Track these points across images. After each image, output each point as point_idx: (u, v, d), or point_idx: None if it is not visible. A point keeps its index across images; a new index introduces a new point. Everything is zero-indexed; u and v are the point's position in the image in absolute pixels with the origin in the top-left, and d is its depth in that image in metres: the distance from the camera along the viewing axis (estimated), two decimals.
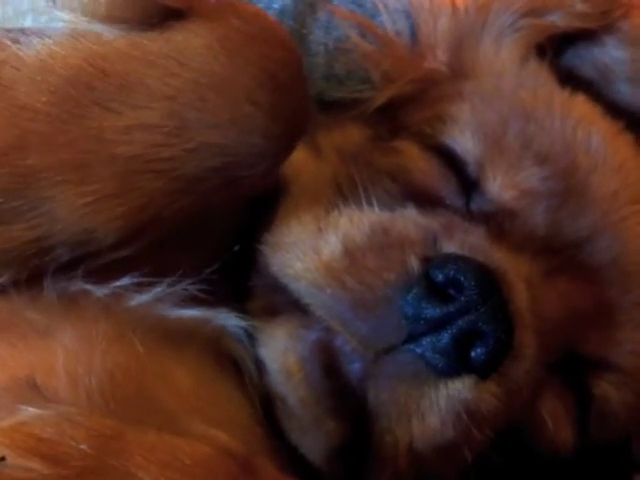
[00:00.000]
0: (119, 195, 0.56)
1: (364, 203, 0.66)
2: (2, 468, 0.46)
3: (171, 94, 0.56)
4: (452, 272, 0.59)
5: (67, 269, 0.58)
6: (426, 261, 0.61)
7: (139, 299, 0.62)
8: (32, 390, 0.53)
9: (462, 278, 0.59)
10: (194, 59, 0.57)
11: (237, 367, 0.65)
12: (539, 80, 0.79)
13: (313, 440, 0.63)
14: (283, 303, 0.64)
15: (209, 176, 0.58)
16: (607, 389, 0.70)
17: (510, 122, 0.73)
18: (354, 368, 0.61)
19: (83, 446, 0.48)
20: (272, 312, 0.65)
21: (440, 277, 0.60)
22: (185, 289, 0.63)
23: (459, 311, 0.59)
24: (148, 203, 0.57)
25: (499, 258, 0.63)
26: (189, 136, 0.56)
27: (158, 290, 0.62)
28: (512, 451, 0.66)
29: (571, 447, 0.70)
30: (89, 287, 0.60)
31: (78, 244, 0.57)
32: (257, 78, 0.58)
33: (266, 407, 0.64)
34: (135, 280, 0.61)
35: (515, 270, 0.63)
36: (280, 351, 0.63)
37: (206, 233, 0.65)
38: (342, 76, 0.85)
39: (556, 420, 0.69)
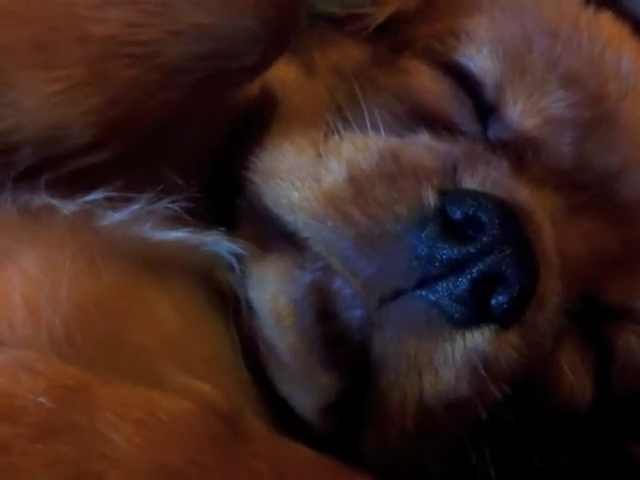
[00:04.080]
0: (92, 83, 0.51)
1: (369, 126, 0.60)
2: None
3: None
4: (472, 209, 0.54)
5: (30, 178, 0.53)
6: (443, 194, 0.55)
7: (112, 218, 0.56)
8: None
9: (483, 216, 0.53)
10: None
11: (225, 301, 0.60)
12: None
13: (304, 393, 0.58)
14: (275, 237, 0.58)
15: (194, 66, 0.53)
16: (630, 340, 0.66)
17: (534, 38, 0.66)
18: (354, 314, 0.55)
19: (42, 399, 0.44)
20: (263, 246, 0.59)
21: (458, 214, 0.54)
22: (167, 207, 0.57)
23: (480, 252, 0.53)
24: (125, 95, 0.52)
25: (524, 195, 0.57)
26: (173, 15, 0.51)
27: (135, 208, 0.56)
28: (526, 407, 0.60)
29: (589, 402, 0.65)
30: (54, 202, 0.54)
31: (47, 142, 0.52)
32: None
33: (253, 352, 0.59)
34: (108, 195, 0.55)
35: (540, 207, 0.58)
36: (270, 293, 0.57)
37: (188, 141, 0.60)
38: None
39: (576, 373, 0.64)
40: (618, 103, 0.66)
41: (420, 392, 0.54)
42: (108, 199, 0.55)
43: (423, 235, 0.53)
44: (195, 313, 0.58)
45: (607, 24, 0.71)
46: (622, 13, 0.74)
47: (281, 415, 0.58)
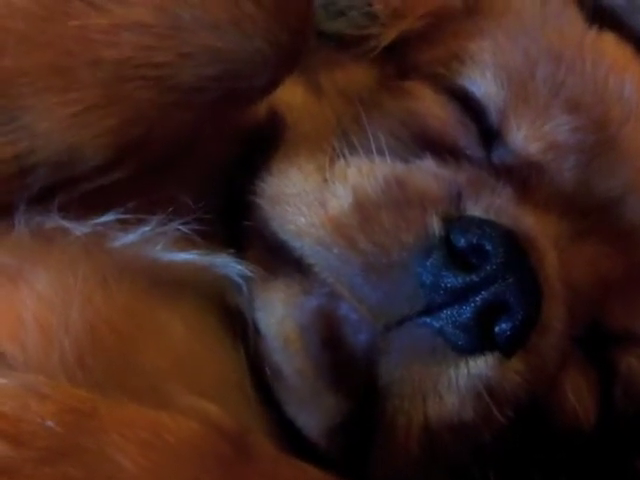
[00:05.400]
0: (107, 105, 0.51)
1: (374, 152, 0.60)
2: None
3: None
4: (476, 238, 0.54)
5: (42, 199, 0.53)
6: (448, 222, 0.55)
7: (124, 239, 0.56)
8: None
9: (487, 245, 0.54)
10: None
11: (234, 322, 0.60)
12: (564, 17, 0.72)
13: (310, 415, 0.58)
14: (282, 261, 0.59)
15: (205, 86, 0.53)
16: (633, 365, 0.66)
17: (538, 63, 0.66)
18: (360, 340, 0.55)
19: (50, 423, 0.44)
20: (269, 270, 0.59)
21: (462, 242, 0.54)
22: (177, 229, 0.57)
23: (483, 281, 0.53)
24: (139, 116, 0.52)
25: (528, 222, 0.58)
26: (184, 38, 0.51)
27: (146, 230, 0.57)
28: (530, 429, 0.61)
29: (593, 423, 0.66)
30: (67, 224, 0.54)
31: (61, 164, 0.52)
32: None
33: (260, 373, 0.59)
34: (120, 217, 0.56)
35: (544, 234, 0.58)
36: (277, 317, 0.58)
37: (199, 163, 0.60)
38: (343, 5, 0.77)
39: (579, 395, 0.64)
40: (621, 128, 0.66)
41: (425, 417, 0.54)
42: (120, 221, 0.56)
43: (428, 264, 0.53)
44: (205, 333, 0.59)
45: (610, 47, 0.71)
46: (626, 32, 0.74)
47: (289, 435, 0.58)
